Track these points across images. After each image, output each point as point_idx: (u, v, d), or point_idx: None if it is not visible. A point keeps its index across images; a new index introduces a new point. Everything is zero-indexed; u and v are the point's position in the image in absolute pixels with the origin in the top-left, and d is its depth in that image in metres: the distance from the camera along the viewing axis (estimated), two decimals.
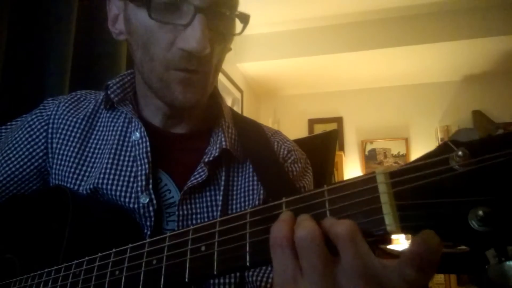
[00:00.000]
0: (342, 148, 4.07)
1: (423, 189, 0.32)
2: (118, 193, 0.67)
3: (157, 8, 0.59)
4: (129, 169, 0.68)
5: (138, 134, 0.70)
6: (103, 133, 0.73)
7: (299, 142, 0.84)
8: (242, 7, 0.66)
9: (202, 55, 0.59)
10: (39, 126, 0.75)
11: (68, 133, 0.73)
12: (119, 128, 0.72)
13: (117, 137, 0.71)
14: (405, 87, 4.08)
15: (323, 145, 1.13)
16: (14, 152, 0.74)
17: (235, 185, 0.71)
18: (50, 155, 0.73)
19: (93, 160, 0.71)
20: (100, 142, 0.73)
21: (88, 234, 0.60)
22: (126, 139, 0.71)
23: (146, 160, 0.67)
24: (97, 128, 0.74)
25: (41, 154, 0.74)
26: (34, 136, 0.74)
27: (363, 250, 0.33)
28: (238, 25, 0.67)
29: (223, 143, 0.69)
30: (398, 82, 4.04)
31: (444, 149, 0.33)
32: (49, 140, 0.74)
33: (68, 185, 0.70)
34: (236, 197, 0.70)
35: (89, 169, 0.71)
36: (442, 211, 0.31)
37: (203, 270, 0.41)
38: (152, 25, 0.60)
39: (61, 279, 0.53)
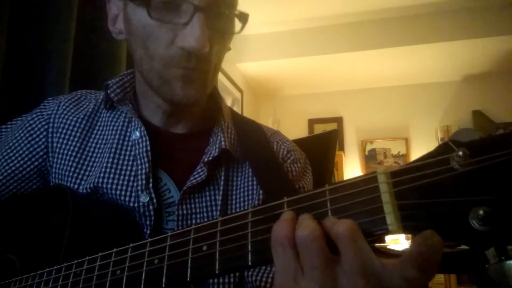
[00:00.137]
0: (342, 148, 4.07)
1: (424, 189, 0.32)
2: (118, 192, 0.67)
3: (156, 7, 0.59)
4: (129, 168, 0.69)
5: (138, 134, 0.70)
6: (103, 132, 0.74)
7: (299, 142, 0.84)
8: (242, 7, 0.66)
9: (201, 53, 0.60)
10: (39, 126, 0.75)
11: (69, 132, 0.73)
12: (119, 127, 0.73)
13: (117, 136, 0.72)
14: (405, 87, 4.08)
15: (323, 145, 1.13)
16: (15, 151, 0.74)
17: (235, 185, 0.71)
18: (50, 154, 0.74)
19: (93, 159, 0.71)
20: (100, 141, 0.73)
21: (88, 233, 0.60)
22: (126, 138, 0.71)
23: (146, 160, 0.67)
24: (97, 127, 0.74)
25: (41, 153, 0.74)
26: (34, 136, 0.74)
27: (364, 250, 0.33)
28: (238, 25, 0.67)
29: (223, 143, 0.69)
30: (398, 82, 4.04)
31: (444, 149, 0.33)
32: (50, 140, 0.74)
33: (68, 184, 0.70)
34: (236, 197, 0.70)
35: (89, 168, 0.71)
36: (443, 210, 0.31)
37: (204, 270, 0.41)
38: (151, 24, 0.60)
39: (62, 278, 0.53)
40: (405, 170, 0.34)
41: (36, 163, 0.74)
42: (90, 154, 0.72)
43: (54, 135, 0.74)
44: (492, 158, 0.30)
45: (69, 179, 0.70)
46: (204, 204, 0.68)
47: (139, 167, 0.67)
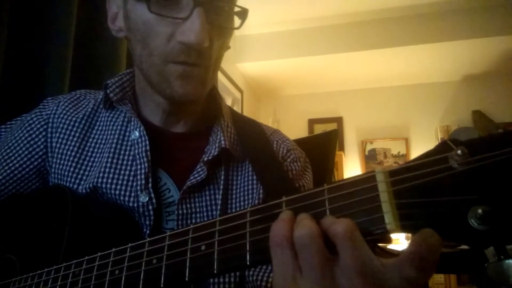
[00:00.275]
0: (342, 148, 4.06)
1: (422, 188, 0.32)
2: (117, 192, 0.67)
3: (156, 2, 0.59)
4: (128, 168, 0.68)
5: (137, 133, 0.70)
6: (103, 132, 0.74)
7: (299, 142, 0.84)
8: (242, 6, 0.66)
9: (201, 48, 0.59)
10: (38, 126, 0.75)
11: (68, 132, 0.73)
12: (119, 127, 0.72)
13: (116, 136, 0.71)
14: (405, 87, 4.08)
15: (323, 145, 1.13)
16: (14, 151, 0.74)
17: (235, 184, 0.71)
18: (49, 154, 0.73)
19: (92, 159, 0.71)
20: (99, 141, 0.73)
21: (88, 233, 0.60)
22: (126, 138, 0.71)
23: (145, 159, 0.67)
24: (96, 127, 0.74)
25: (40, 153, 0.74)
26: (33, 136, 0.74)
27: (362, 249, 0.33)
28: (237, 23, 0.67)
29: (222, 142, 0.69)
30: (398, 82, 4.04)
31: (443, 148, 0.33)
32: (49, 140, 0.74)
33: (68, 184, 0.70)
34: (236, 196, 0.70)
35: (88, 168, 0.71)
36: (442, 209, 0.31)
37: (203, 269, 0.41)
38: (151, 19, 0.61)
39: (61, 278, 0.53)
40: (404, 169, 0.34)
41: (35, 163, 0.74)
42: (89, 154, 0.72)
43: (54, 135, 0.74)
44: (491, 157, 0.30)
45: (69, 179, 0.70)
46: (204, 204, 0.68)
47: (139, 166, 0.67)
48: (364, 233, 0.34)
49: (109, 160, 0.69)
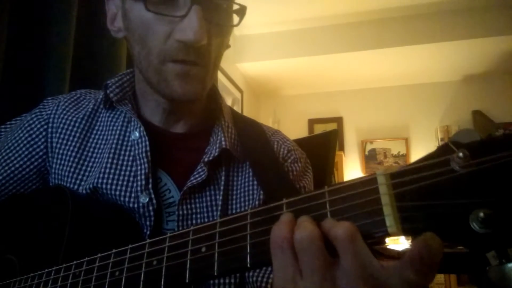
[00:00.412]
0: (342, 148, 4.06)
1: (424, 191, 0.32)
2: (117, 193, 0.67)
3: (153, 0, 0.59)
4: (128, 168, 0.68)
5: (137, 134, 0.70)
6: (103, 132, 0.73)
7: (299, 142, 0.84)
8: None
9: (199, 45, 0.59)
10: (38, 126, 0.75)
11: (68, 132, 0.73)
12: (119, 127, 0.72)
13: (116, 136, 0.71)
14: (405, 87, 4.08)
15: (323, 145, 1.13)
16: (14, 151, 0.74)
17: (235, 185, 0.71)
18: (49, 155, 0.73)
19: (92, 159, 0.71)
20: (99, 141, 0.73)
21: (88, 234, 0.60)
22: (126, 138, 0.71)
23: (145, 160, 0.67)
24: (96, 127, 0.74)
25: (40, 153, 0.74)
26: (33, 136, 0.74)
27: (362, 252, 0.33)
28: (236, 20, 0.67)
29: (223, 142, 0.69)
30: (398, 82, 4.04)
31: (444, 150, 0.33)
32: (49, 140, 0.74)
33: (68, 184, 0.70)
34: (236, 197, 0.70)
35: (88, 168, 0.71)
36: (443, 212, 0.31)
37: (203, 271, 0.41)
38: (149, 18, 0.60)
39: (61, 279, 0.53)
40: (405, 171, 0.34)
41: (35, 163, 0.74)
42: (89, 154, 0.72)
43: (54, 135, 0.74)
44: (493, 159, 0.30)
45: (69, 179, 0.70)
46: (204, 204, 0.68)
47: (139, 167, 0.67)
48: (365, 236, 0.33)
49: (109, 160, 0.69)
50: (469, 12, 3.18)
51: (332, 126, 3.98)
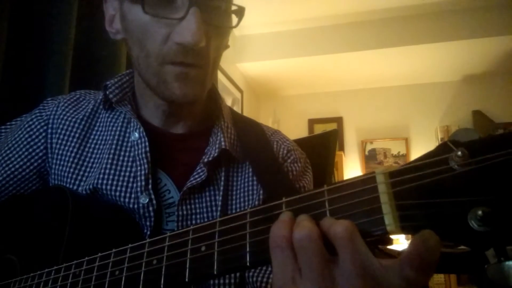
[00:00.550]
0: (342, 148, 4.06)
1: (422, 189, 0.32)
2: (117, 193, 0.67)
3: (151, 3, 0.59)
4: (128, 169, 0.68)
5: (137, 134, 0.70)
6: (102, 133, 0.73)
7: (299, 142, 0.84)
8: None
9: (197, 48, 0.59)
10: (38, 126, 0.75)
11: (68, 133, 0.73)
12: (118, 128, 0.72)
13: (116, 137, 0.71)
14: (405, 87, 4.08)
15: (323, 145, 1.13)
16: (14, 152, 0.74)
17: (235, 185, 0.71)
18: (49, 155, 0.73)
19: (92, 160, 0.71)
20: (99, 142, 0.73)
21: (88, 234, 0.60)
22: (125, 139, 0.71)
23: (145, 160, 0.67)
24: (96, 128, 0.74)
25: (40, 154, 0.74)
26: (33, 136, 0.74)
27: (361, 250, 0.33)
28: (235, 21, 0.67)
29: (223, 143, 0.69)
30: (398, 82, 4.04)
31: (443, 149, 0.33)
32: (49, 140, 0.74)
33: (68, 185, 0.70)
34: (236, 197, 0.70)
35: (88, 169, 0.71)
36: (442, 211, 0.31)
37: (203, 270, 0.41)
38: (146, 20, 0.60)
39: (61, 279, 0.53)
40: (404, 170, 0.34)
41: (35, 164, 0.74)
42: (89, 155, 0.72)
43: (53, 136, 0.74)
44: (491, 158, 0.30)
45: (69, 180, 0.70)
46: (204, 205, 0.68)
47: (138, 168, 0.67)
48: (364, 234, 0.34)
49: (109, 161, 0.69)
50: (469, 12, 3.18)
51: (332, 126, 3.98)
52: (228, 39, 0.70)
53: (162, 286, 0.43)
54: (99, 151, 0.72)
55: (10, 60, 1.05)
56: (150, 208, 0.65)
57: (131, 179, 0.67)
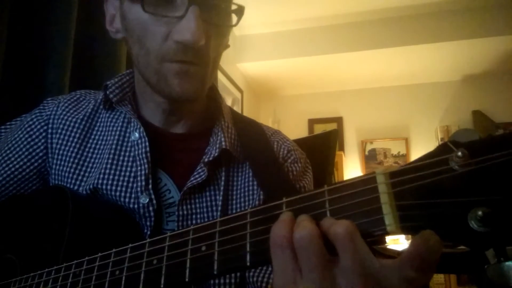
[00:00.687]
0: (342, 148, 4.07)
1: (423, 189, 0.32)
2: (118, 193, 0.67)
3: (151, 1, 0.59)
4: (128, 169, 0.68)
5: (137, 134, 0.70)
6: (103, 133, 0.74)
7: (299, 142, 0.84)
8: None
9: (197, 46, 0.59)
10: (38, 126, 0.75)
11: (68, 133, 0.73)
12: (119, 128, 0.72)
13: (116, 137, 0.71)
14: (405, 87, 4.08)
15: (323, 145, 1.13)
16: (14, 152, 0.74)
17: (235, 185, 0.71)
18: (49, 155, 0.73)
19: (92, 160, 0.71)
20: (99, 142, 0.73)
21: (88, 234, 0.60)
22: (126, 139, 0.71)
23: (145, 160, 0.67)
24: (96, 128, 0.74)
25: (40, 154, 0.74)
26: (33, 136, 0.74)
27: (362, 250, 0.33)
28: (235, 20, 0.67)
29: (223, 143, 0.69)
30: (398, 82, 4.04)
31: (443, 149, 0.33)
32: (49, 140, 0.74)
33: (68, 185, 0.70)
34: (236, 197, 0.70)
35: (88, 169, 0.71)
36: (442, 211, 0.31)
37: (203, 270, 0.41)
38: (146, 19, 0.60)
39: (61, 279, 0.53)
40: (404, 170, 0.34)
41: (35, 164, 0.74)
42: (89, 155, 0.72)
43: (54, 136, 0.74)
44: (491, 158, 0.30)
45: (69, 180, 0.70)
46: (204, 205, 0.68)
47: (139, 168, 0.67)
48: (364, 234, 0.34)
49: (109, 161, 0.69)
50: (469, 12, 3.18)
51: (332, 126, 3.98)
52: (228, 38, 0.70)
53: (162, 286, 0.43)
54: (99, 151, 0.72)
55: (10, 60, 1.05)
56: (150, 208, 0.65)
57: (131, 179, 0.67)
